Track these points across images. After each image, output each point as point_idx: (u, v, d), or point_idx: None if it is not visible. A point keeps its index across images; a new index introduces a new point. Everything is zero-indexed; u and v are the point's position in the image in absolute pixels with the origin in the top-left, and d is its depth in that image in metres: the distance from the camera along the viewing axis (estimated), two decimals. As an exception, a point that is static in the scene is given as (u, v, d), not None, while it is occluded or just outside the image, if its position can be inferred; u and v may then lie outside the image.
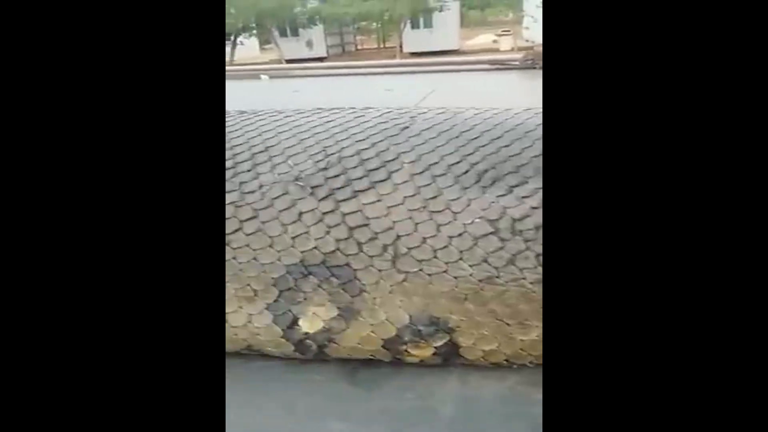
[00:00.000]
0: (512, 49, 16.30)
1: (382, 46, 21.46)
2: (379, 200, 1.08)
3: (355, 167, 1.14)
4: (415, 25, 18.04)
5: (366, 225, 1.06)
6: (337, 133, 1.25)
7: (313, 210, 1.10)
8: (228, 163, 1.22)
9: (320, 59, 17.47)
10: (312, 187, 1.12)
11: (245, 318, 1.10)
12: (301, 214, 1.10)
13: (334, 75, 5.16)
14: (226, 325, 1.11)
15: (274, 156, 1.22)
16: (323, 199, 1.10)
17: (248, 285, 1.09)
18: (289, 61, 16.19)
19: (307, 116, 1.38)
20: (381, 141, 1.19)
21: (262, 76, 5.24)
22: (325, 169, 1.15)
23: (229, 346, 1.13)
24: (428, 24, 18.15)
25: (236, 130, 1.33)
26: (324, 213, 1.09)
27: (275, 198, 1.13)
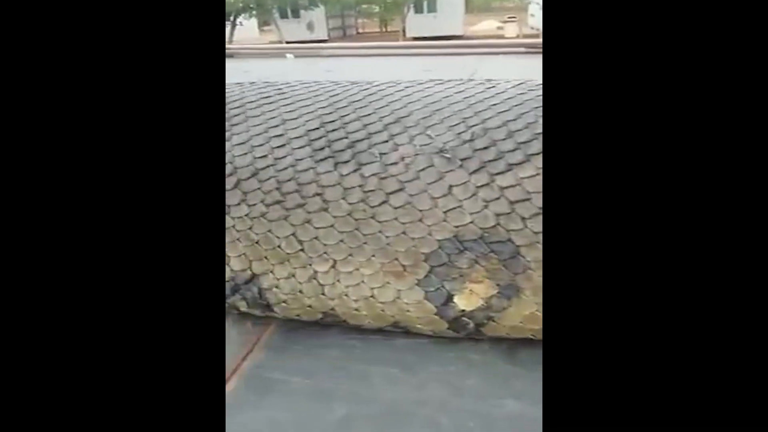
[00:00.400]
0: (517, 36, 16.23)
1: (383, 30, 21.25)
2: (537, 174, 1.03)
3: (504, 139, 1.09)
4: (418, 10, 17.88)
5: (528, 199, 1.01)
6: (474, 104, 1.19)
7: (465, 183, 1.05)
8: (360, 134, 1.17)
9: (321, 41, 17.25)
10: (461, 160, 1.07)
11: (393, 294, 1.05)
12: (451, 187, 1.05)
13: (360, 56, 5.06)
14: (373, 300, 1.07)
15: (410, 127, 1.16)
16: (475, 171, 1.05)
17: (396, 260, 1.05)
18: (289, 43, 15.95)
19: (429, 86, 1.33)
20: (527, 112, 1.14)
21: (288, 55, 5.13)
22: (470, 140, 1.10)
23: (375, 323, 1.09)
24: (432, 8, 17.99)
25: (359, 100, 1.27)
26: (478, 186, 1.04)
27: (421, 170, 1.08)
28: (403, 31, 17.89)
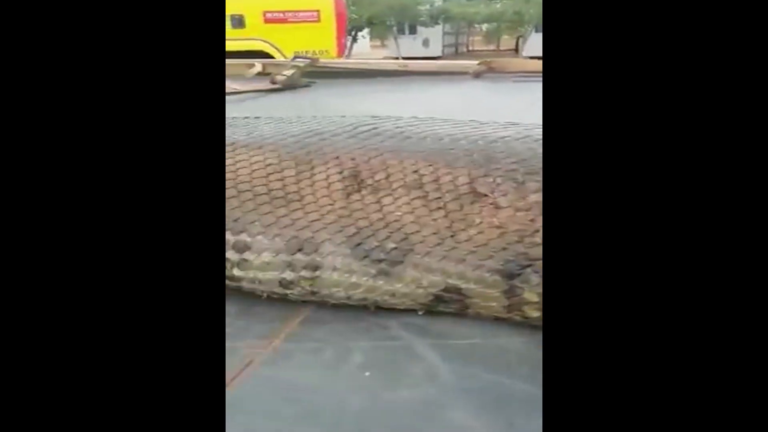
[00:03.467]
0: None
1: (497, 48, 21.58)
2: None
3: None
4: (539, 29, 18.02)
5: None
6: None
7: None
8: None
9: (435, 59, 17.77)
10: None
11: None
12: None
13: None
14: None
15: None
16: None
17: None
18: (405, 59, 16.61)
19: None
20: None
21: None
22: None
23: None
24: (554, 28, 17.96)
25: None
26: None
27: None
28: (517, 49, 18.17)
